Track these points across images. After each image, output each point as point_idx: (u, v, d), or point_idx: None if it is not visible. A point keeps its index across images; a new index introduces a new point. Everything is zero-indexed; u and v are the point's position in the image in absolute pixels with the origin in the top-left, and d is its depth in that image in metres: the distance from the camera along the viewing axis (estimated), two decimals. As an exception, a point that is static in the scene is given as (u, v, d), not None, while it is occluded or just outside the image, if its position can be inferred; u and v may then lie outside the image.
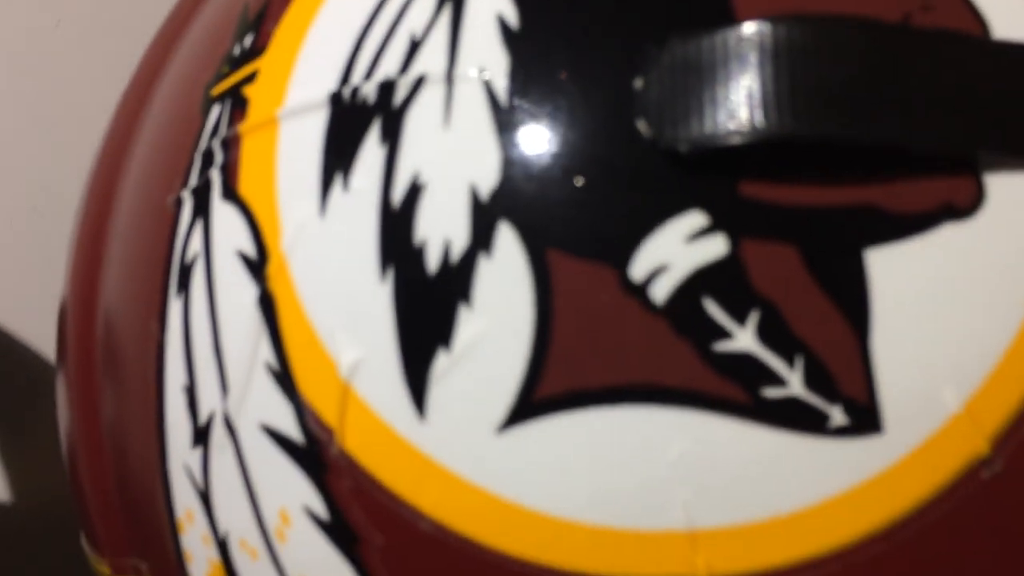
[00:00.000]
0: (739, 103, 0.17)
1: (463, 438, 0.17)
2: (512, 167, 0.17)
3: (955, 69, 0.17)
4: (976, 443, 0.17)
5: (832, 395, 0.17)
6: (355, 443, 0.18)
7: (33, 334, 0.51)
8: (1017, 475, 0.17)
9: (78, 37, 0.48)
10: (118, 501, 0.23)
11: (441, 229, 0.17)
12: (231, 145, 0.20)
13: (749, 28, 0.17)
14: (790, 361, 0.17)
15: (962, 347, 0.17)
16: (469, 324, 0.17)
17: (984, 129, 0.17)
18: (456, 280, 0.17)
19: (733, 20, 0.17)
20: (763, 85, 0.17)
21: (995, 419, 0.17)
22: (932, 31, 0.17)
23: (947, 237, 0.17)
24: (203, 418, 0.20)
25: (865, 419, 0.17)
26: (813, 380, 0.17)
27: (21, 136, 0.49)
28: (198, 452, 0.20)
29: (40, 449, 0.51)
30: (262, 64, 0.20)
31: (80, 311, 0.22)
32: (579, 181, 0.17)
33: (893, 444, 0.17)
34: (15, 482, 0.49)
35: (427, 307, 0.17)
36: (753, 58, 0.17)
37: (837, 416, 0.17)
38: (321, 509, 0.18)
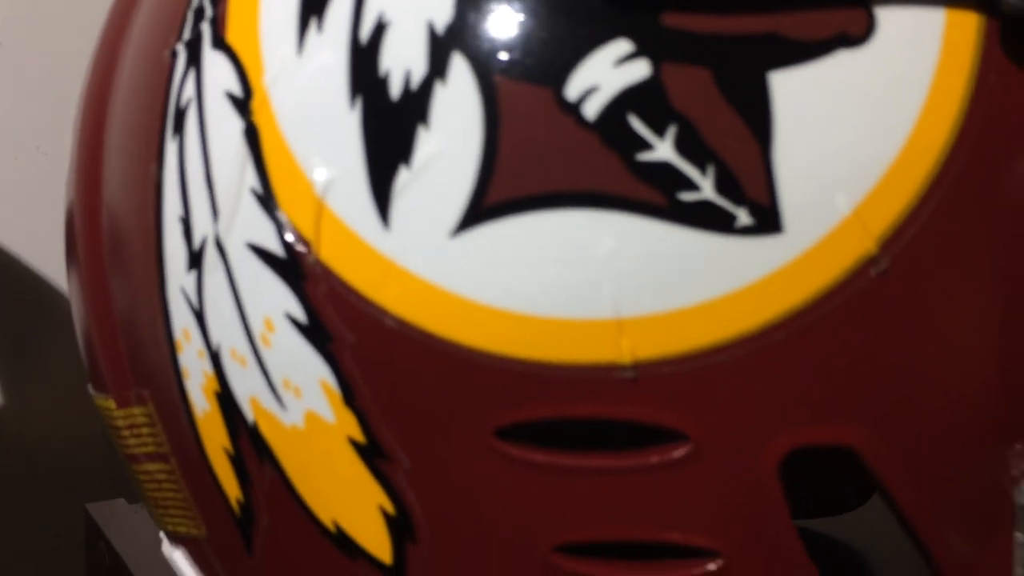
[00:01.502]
0: None
1: (422, 242, 0.20)
2: (464, 5, 0.20)
3: None
4: (865, 243, 0.19)
5: (739, 198, 0.19)
6: (329, 252, 0.20)
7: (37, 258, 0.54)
8: (902, 273, 0.20)
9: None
10: (123, 338, 0.25)
11: (402, 61, 0.20)
12: (218, 2, 0.22)
13: None
14: (703, 169, 0.19)
15: (853, 158, 0.19)
16: (427, 143, 0.20)
17: None
18: (415, 105, 0.20)
19: None
20: None
21: (882, 222, 0.19)
22: None
23: (841, 62, 0.19)
24: (197, 243, 0.22)
25: (767, 220, 0.19)
26: (723, 185, 0.19)
27: (23, 77, 0.52)
28: (193, 275, 0.22)
29: (41, 369, 0.54)
30: (246, -71, 0.22)
31: (87, 142, 0.25)
32: (521, 15, 0.19)
33: (792, 243, 0.19)
34: (15, 403, 0.52)
35: (390, 130, 0.20)
36: None
37: (743, 217, 0.19)
38: (300, 314, 0.21)
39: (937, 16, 0.20)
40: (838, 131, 0.19)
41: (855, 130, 0.19)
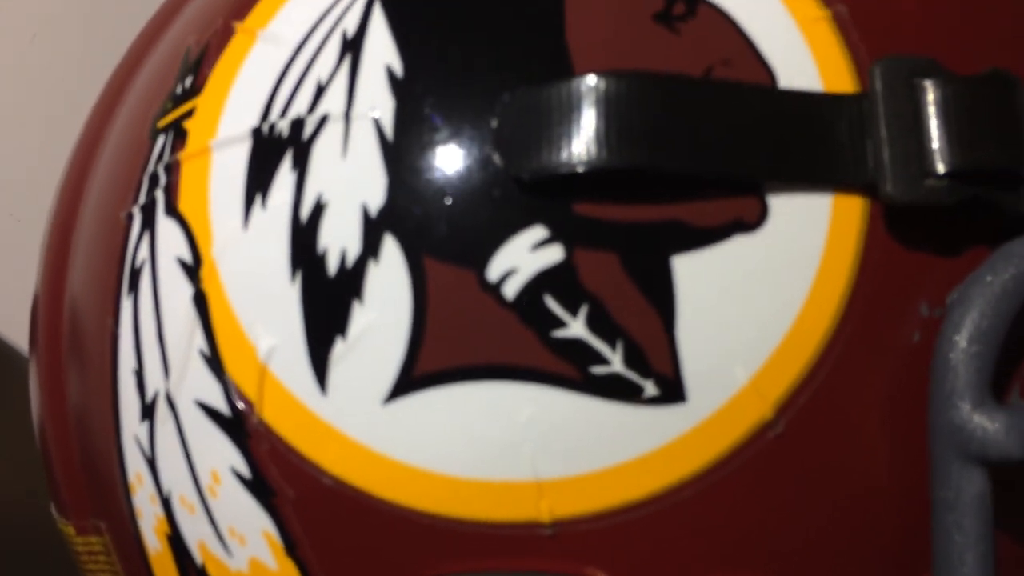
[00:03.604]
0: (575, 140, 0.21)
1: (356, 408, 0.21)
2: (396, 190, 0.21)
3: (744, 112, 0.21)
4: (761, 410, 0.21)
5: (646, 371, 0.21)
6: (271, 414, 0.22)
7: (8, 330, 0.54)
8: (797, 435, 0.21)
9: (51, 54, 0.51)
10: (81, 470, 0.27)
11: (339, 240, 0.21)
12: (173, 170, 0.24)
13: (586, 81, 0.21)
14: (612, 345, 0.21)
15: (750, 332, 0.21)
16: (361, 317, 0.21)
17: (768, 161, 0.21)
18: (350, 281, 0.21)
19: (572, 74, 0.21)
20: (594, 126, 0.21)
21: (777, 390, 0.21)
22: (725, 83, 0.21)
23: (738, 245, 0.21)
24: (149, 397, 0.24)
25: (672, 390, 0.21)
26: (631, 360, 0.21)
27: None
28: (145, 425, 0.24)
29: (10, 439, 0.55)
30: (199, 102, 0.24)
31: (50, 305, 0.26)
32: (448, 201, 0.21)
33: (695, 410, 0.21)
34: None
35: (328, 303, 0.21)
36: (586, 104, 0.21)
37: (650, 388, 0.21)
38: (244, 469, 0.22)
39: (825, 201, 0.22)
40: (735, 308, 0.21)
41: (751, 307, 0.21)
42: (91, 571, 0.28)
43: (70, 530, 0.28)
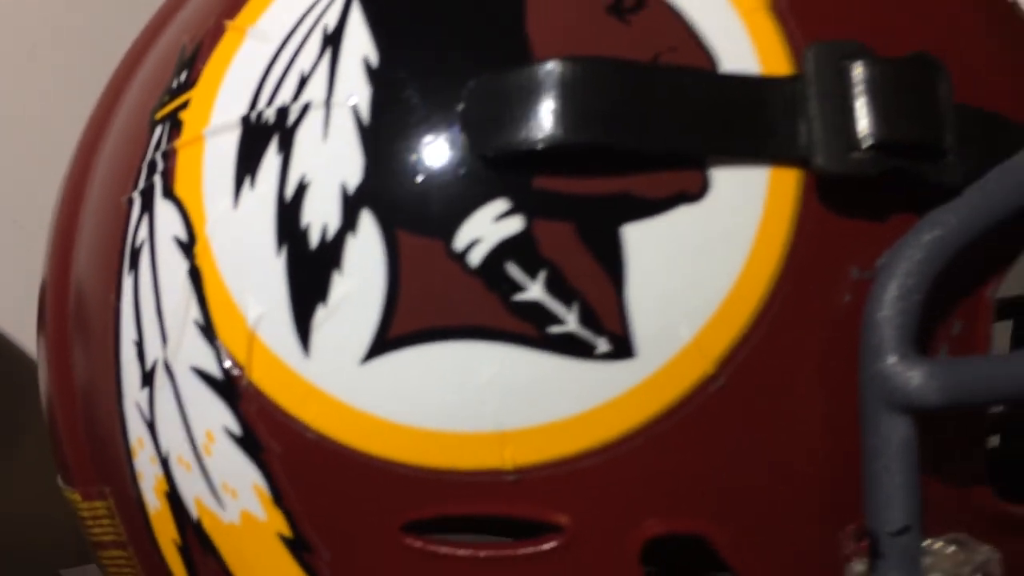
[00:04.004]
0: (535, 120, 0.23)
1: (336, 369, 0.23)
2: (371, 169, 0.23)
3: (687, 94, 0.23)
4: (704, 365, 0.23)
5: (598, 330, 0.23)
6: (259, 376, 0.24)
7: (19, 334, 0.56)
8: (737, 388, 0.23)
9: (51, 63, 0.53)
10: (86, 439, 0.29)
11: (320, 216, 0.24)
12: (169, 157, 0.26)
13: (544, 66, 0.23)
14: (568, 306, 0.23)
15: (693, 295, 0.23)
16: (340, 285, 0.23)
17: (709, 138, 0.23)
18: (331, 253, 0.23)
19: (532, 61, 0.23)
20: (552, 107, 0.23)
21: (718, 347, 0.23)
22: (670, 67, 0.23)
23: (682, 215, 0.23)
24: (148, 365, 0.26)
25: (622, 347, 0.23)
26: (584, 320, 0.23)
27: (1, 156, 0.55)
28: (145, 391, 0.26)
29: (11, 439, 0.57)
30: (193, 94, 0.26)
31: (56, 285, 0.28)
32: (419, 178, 0.23)
33: (643, 366, 0.23)
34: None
35: (310, 273, 0.23)
36: (545, 87, 0.23)
37: (602, 345, 0.23)
38: (236, 427, 0.24)
39: (762, 174, 0.24)
40: (680, 272, 0.23)
41: (694, 271, 0.23)
42: (95, 535, 0.30)
43: (76, 497, 0.30)
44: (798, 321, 0.24)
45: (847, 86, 0.24)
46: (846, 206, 0.24)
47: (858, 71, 0.24)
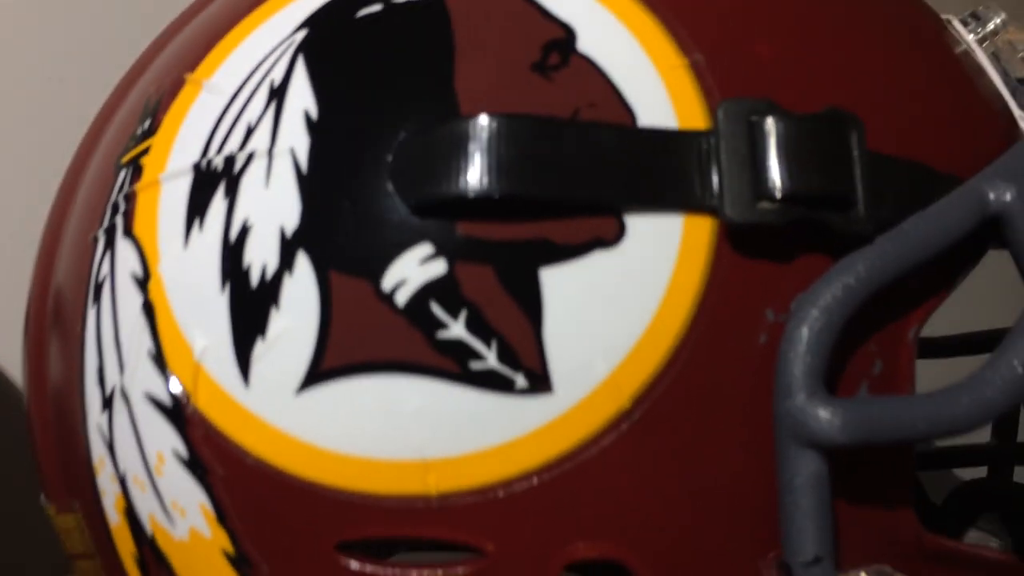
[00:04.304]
0: (461, 172, 0.24)
1: (273, 398, 0.25)
2: (307, 214, 0.25)
3: (604, 147, 0.24)
4: (619, 401, 0.24)
5: (516, 366, 0.24)
6: (204, 403, 0.26)
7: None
8: (653, 423, 0.25)
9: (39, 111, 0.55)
10: (58, 452, 0.30)
11: (260, 256, 0.25)
12: (130, 199, 0.28)
13: (470, 122, 0.24)
14: (488, 344, 0.24)
15: (609, 334, 0.24)
16: (277, 321, 0.25)
17: (624, 188, 0.24)
18: (269, 291, 0.25)
19: (459, 116, 0.25)
20: (477, 160, 0.24)
21: (634, 384, 0.24)
22: (588, 123, 0.24)
23: (597, 259, 0.24)
24: (108, 390, 0.27)
25: (539, 383, 0.24)
26: (503, 356, 0.24)
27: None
28: (105, 415, 0.28)
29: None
30: (153, 141, 0.28)
31: (37, 307, 0.30)
32: (350, 223, 0.25)
33: (560, 400, 0.24)
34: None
35: (250, 310, 0.25)
36: (470, 141, 0.24)
37: (520, 381, 0.24)
38: (183, 451, 0.26)
39: (676, 222, 0.25)
40: (596, 313, 0.24)
41: (610, 312, 0.25)
42: (68, 547, 0.32)
43: (52, 510, 0.32)
44: (714, 360, 0.25)
45: (756, 140, 0.25)
46: (759, 253, 0.25)
47: (768, 126, 0.25)
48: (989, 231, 0.27)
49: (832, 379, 0.26)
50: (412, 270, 0.25)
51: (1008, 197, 0.27)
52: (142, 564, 0.28)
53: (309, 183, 0.25)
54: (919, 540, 0.28)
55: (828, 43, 0.28)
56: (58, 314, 0.30)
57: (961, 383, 0.26)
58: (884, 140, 0.27)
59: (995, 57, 0.37)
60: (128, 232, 0.28)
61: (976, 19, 0.37)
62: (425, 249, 0.25)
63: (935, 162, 0.28)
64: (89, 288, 0.28)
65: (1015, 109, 0.35)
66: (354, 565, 0.25)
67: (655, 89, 0.26)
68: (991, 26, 0.36)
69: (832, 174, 0.25)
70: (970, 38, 0.36)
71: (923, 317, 0.28)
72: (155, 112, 0.29)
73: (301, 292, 0.25)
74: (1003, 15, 0.37)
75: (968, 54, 0.34)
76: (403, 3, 0.27)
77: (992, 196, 0.27)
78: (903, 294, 0.27)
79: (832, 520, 0.25)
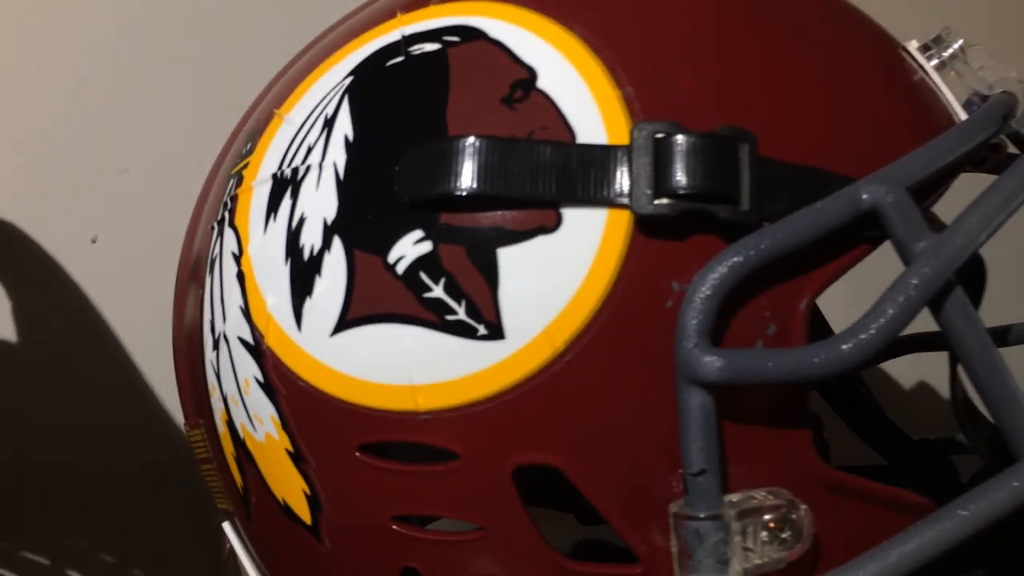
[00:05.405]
0: (449, 176, 0.33)
1: (316, 339, 0.35)
2: (342, 209, 0.35)
3: (548, 159, 0.33)
4: (555, 345, 0.33)
5: (479, 319, 0.33)
6: (273, 342, 0.36)
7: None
8: (581, 362, 0.33)
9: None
10: (189, 383, 0.42)
11: (310, 240, 0.36)
12: (234, 199, 0.39)
13: (456, 141, 0.33)
14: (459, 302, 0.33)
15: (547, 296, 0.33)
16: (320, 284, 0.35)
17: (562, 190, 0.33)
18: (315, 264, 0.35)
19: (447, 137, 0.34)
20: (460, 168, 0.33)
21: (565, 334, 0.33)
22: (539, 141, 0.33)
23: (541, 242, 0.33)
24: (216, 335, 0.38)
25: (496, 331, 0.33)
26: (470, 312, 0.33)
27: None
28: (214, 353, 0.39)
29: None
30: (251, 159, 0.39)
31: (182, 270, 0.43)
32: (369, 215, 0.34)
33: (510, 345, 0.33)
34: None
35: (303, 277, 0.36)
36: (454, 155, 0.33)
37: (482, 330, 0.33)
38: (260, 376, 0.37)
39: (601, 214, 0.33)
40: (538, 282, 0.33)
41: (548, 281, 0.33)
42: (198, 454, 0.43)
43: (187, 428, 0.44)
44: (629, 318, 0.33)
45: (660, 153, 0.32)
46: (665, 237, 0.33)
47: (670, 142, 0.32)
48: (868, 223, 0.34)
49: (733, 336, 0.33)
50: (408, 248, 0.34)
51: (880, 196, 0.33)
52: (238, 460, 0.39)
53: (345, 187, 0.36)
54: (819, 472, 0.34)
55: (740, 72, 0.35)
56: (193, 276, 0.42)
57: (825, 340, 0.32)
58: (780, 149, 0.34)
59: (958, 75, 0.42)
60: (231, 223, 0.39)
61: (938, 43, 0.43)
62: (418, 233, 0.34)
63: (832, 166, 0.34)
64: (208, 261, 0.40)
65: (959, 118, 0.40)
66: (369, 460, 0.35)
67: (592, 115, 0.34)
68: (951, 49, 0.41)
69: (718, 177, 0.32)
70: (924, 60, 0.41)
71: (814, 290, 0.34)
72: (254, 137, 0.40)
73: (335, 264, 0.35)
74: (961, 40, 0.42)
75: (926, 73, 0.40)
76: (417, 55, 0.36)
77: (865, 196, 0.33)
78: (794, 271, 0.34)
79: (717, 442, 0.32)
